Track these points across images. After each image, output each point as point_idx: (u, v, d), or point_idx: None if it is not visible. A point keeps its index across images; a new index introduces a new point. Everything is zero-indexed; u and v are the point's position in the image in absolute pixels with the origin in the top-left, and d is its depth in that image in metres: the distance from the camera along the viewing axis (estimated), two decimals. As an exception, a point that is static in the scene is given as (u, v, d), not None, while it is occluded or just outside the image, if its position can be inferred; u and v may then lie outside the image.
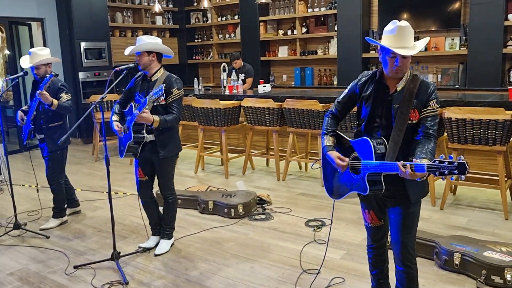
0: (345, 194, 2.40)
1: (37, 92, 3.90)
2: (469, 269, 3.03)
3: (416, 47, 2.20)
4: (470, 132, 4.06)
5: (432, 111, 2.22)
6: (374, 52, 7.55)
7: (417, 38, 7.04)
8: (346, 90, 2.47)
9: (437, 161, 1.98)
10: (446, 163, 1.95)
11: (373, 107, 2.31)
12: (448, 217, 4.14)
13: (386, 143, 2.22)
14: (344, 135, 2.45)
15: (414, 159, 2.08)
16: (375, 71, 2.35)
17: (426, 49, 7.12)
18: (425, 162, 2.03)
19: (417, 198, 2.30)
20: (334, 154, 2.36)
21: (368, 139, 2.23)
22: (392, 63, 2.19)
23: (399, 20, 2.23)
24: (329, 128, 2.48)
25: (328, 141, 2.44)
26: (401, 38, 2.17)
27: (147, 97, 3.21)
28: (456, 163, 1.94)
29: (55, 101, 3.96)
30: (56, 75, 4.07)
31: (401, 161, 2.07)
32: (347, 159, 2.33)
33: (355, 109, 2.50)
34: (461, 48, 6.82)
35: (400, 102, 2.22)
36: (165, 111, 3.42)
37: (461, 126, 4.09)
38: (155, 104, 3.34)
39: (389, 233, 2.44)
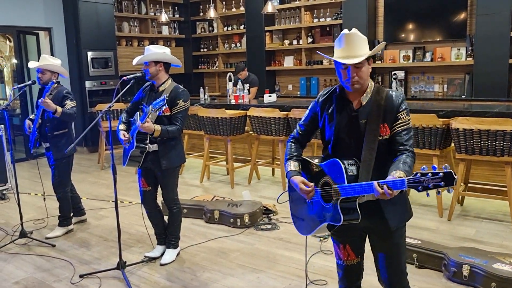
0: (316, 228, 2.12)
1: (39, 99, 3.91)
2: (478, 281, 2.99)
3: (364, 54, 1.99)
4: (477, 142, 4.04)
5: (404, 124, 2.02)
6: (380, 62, 7.55)
7: (423, 49, 7.18)
8: (307, 111, 2.24)
9: (418, 174, 1.73)
10: (430, 175, 1.70)
11: (338, 126, 2.09)
12: (456, 228, 4.11)
13: (359, 163, 2.00)
14: (311, 161, 2.20)
15: (389, 175, 1.87)
16: (335, 86, 2.16)
17: (432, 59, 7.13)
18: (404, 176, 1.81)
19: (398, 223, 2.07)
20: (298, 179, 2.10)
21: (338, 160, 2.00)
22: (346, 75, 2.00)
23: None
24: (293, 152, 2.23)
25: (292, 166, 2.18)
26: (349, 47, 2.00)
27: (149, 107, 3.23)
28: (441, 174, 1.68)
29: (59, 108, 3.94)
30: (57, 82, 4.08)
31: (377, 181, 1.84)
32: (311, 184, 2.08)
33: None
34: (467, 59, 6.83)
35: (368, 117, 2.02)
36: (170, 121, 3.43)
37: (468, 137, 4.07)
38: (159, 114, 3.35)
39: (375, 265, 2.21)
